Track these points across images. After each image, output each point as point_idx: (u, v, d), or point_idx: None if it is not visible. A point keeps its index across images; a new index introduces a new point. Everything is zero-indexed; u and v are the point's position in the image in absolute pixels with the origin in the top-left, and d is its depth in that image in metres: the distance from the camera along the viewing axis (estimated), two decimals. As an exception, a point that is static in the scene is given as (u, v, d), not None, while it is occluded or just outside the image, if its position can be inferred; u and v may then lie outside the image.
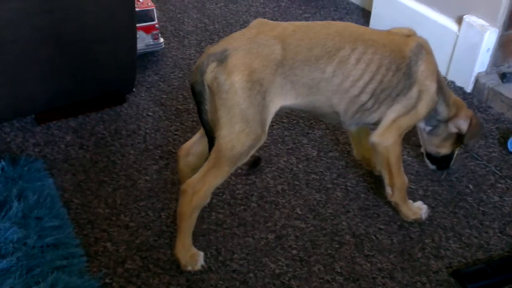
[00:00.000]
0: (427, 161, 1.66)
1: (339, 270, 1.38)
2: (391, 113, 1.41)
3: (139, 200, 1.55)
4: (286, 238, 1.46)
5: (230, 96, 1.21)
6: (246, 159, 1.29)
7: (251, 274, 1.35)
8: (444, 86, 1.48)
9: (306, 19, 2.68)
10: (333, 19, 2.69)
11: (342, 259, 1.41)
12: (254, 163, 1.66)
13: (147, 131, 1.81)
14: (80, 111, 1.88)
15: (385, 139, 1.42)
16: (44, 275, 1.26)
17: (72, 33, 1.67)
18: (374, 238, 1.47)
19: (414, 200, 1.56)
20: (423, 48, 1.40)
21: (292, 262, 1.39)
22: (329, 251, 1.43)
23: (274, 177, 1.66)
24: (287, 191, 1.61)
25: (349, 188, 1.63)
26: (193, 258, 1.34)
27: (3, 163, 1.58)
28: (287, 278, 1.35)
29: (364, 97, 1.35)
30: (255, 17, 2.69)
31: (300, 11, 2.74)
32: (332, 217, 1.53)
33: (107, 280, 1.31)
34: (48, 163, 1.65)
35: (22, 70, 1.63)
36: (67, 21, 1.64)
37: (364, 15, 2.72)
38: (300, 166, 1.71)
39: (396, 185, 1.47)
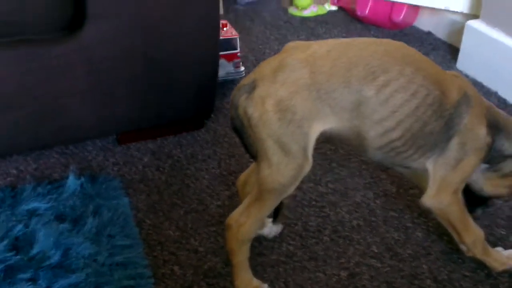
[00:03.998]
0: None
1: (417, 317, 1.27)
2: (437, 170, 1.27)
3: (209, 225, 1.52)
4: (360, 277, 1.37)
5: (260, 129, 1.15)
6: (291, 189, 1.21)
7: (321, 312, 1.27)
8: (500, 120, 1.31)
9: (390, 53, 2.60)
10: (418, 54, 2.60)
11: (421, 305, 1.30)
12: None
13: (222, 156, 1.80)
14: (159, 134, 1.91)
15: (438, 201, 1.29)
16: (111, 293, 1.25)
17: (158, 57, 1.71)
18: (458, 285, 1.35)
19: (505, 247, 1.42)
20: (470, 99, 1.25)
21: (365, 303, 1.30)
22: (407, 295, 1.32)
23: (349, 211, 1.58)
24: (362, 227, 1.53)
25: (431, 229, 1.52)
26: None
27: (82, 179, 1.62)
28: (359, 320, 1.26)
29: (395, 134, 1.20)
30: (337, 50, 2.66)
31: (384, 46, 2.68)
32: (411, 259, 1.42)
33: (172, 304, 1.28)
34: (125, 182, 1.68)
35: (109, 89, 1.68)
36: (154, 45, 1.68)
37: (451, 52, 2.61)
38: (377, 201, 1.62)
39: (468, 242, 1.34)
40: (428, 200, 1.29)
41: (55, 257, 1.33)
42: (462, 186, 1.31)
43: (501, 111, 1.34)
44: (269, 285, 1.32)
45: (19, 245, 1.36)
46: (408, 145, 1.22)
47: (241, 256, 1.26)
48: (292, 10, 3.10)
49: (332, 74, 1.16)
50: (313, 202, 1.61)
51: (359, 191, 1.66)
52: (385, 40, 1.24)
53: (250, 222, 1.22)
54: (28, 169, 1.72)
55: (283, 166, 1.16)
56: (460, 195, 1.31)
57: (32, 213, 1.48)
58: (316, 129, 1.18)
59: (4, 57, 1.48)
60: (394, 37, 2.77)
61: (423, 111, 1.19)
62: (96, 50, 1.60)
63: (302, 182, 1.68)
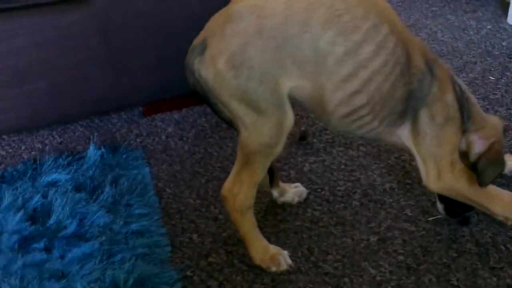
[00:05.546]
0: (436, 198, 1.27)
1: (455, 283, 1.14)
2: (419, 148, 1.13)
3: (231, 193, 1.44)
4: (392, 241, 1.25)
5: (219, 92, 1.03)
6: (278, 149, 1.09)
7: (346, 279, 1.17)
8: (464, 90, 1.16)
9: (433, 12, 2.43)
10: (465, 12, 2.41)
11: (460, 270, 1.17)
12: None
13: (248, 124, 1.72)
14: (185, 104, 1.84)
15: (442, 182, 1.15)
16: (124, 262, 1.20)
17: (177, 22, 1.64)
18: (504, 248, 1.21)
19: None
20: (435, 65, 1.11)
21: (397, 269, 1.19)
22: (444, 260, 1.20)
23: (381, 174, 1.46)
24: (396, 189, 1.41)
25: (474, 190, 1.38)
26: (274, 258, 1.19)
27: (103, 150, 1.58)
28: (389, 287, 1.15)
29: (361, 99, 1.05)
30: (376, 13, 2.50)
31: (427, 5, 2.50)
32: (450, 222, 1.29)
33: (188, 273, 1.22)
34: (147, 152, 1.63)
35: (128, 58, 1.63)
36: (171, 8, 1.61)
37: (501, 7, 2.41)
38: (413, 163, 1.47)
39: (498, 212, 1.18)
40: (431, 184, 1.16)
41: (71, 227, 1.29)
42: (456, 156, 1.15)
43: (459, 80, 1.19)
44: (291, 252, 1.24)
45: (37, 216, 1.34)
46: (374, 113, 1.08)
47: (247, 225, 1.18)
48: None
49: (289, 17, 1.00)
50: (343, 166, 1.50)
51: (393, 153, 1.54)
52: None
53: (245, 190, 1.12)
54: (53, 143, 1.70)
55: (260, 125, 1.04)
56: (460, 166, 1.16)
57: (52, 184, 1.45)
58: (283, 84, 1.03)
59: (18, 27, 1.46)
60: (438, -5, 2.59)
61: (391, 68, 1.04)
62: (110, 17, 1.55)
63: (331, 146, 1.59)
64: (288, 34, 1.00)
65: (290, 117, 1.07)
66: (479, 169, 1.13)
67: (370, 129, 1.11)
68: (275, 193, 1.34)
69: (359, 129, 1.11)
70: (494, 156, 1.14)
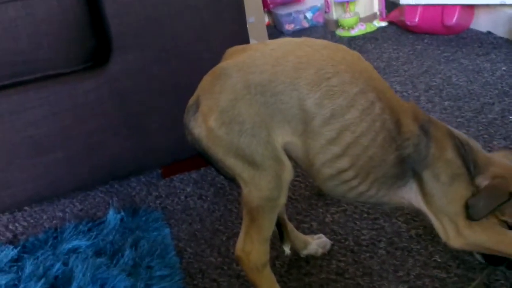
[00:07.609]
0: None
1: (493, 331, 1.08)
2: (431, 207, 1.11)
3: (253, 249, 1.41)
4: (422, 290, 1.20)
5: (214, 150, 1.02)
6: (281, 201, 1.06)
7: (377, 332, 1.11)
8: (465, 142, 1.13)
9: (446, 58, 2.44)
10: (478, 55, 2.41)
11: (497, 316, 1.11)
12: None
13: (267, 178, 1.71)
14: (203, 164, 1.85)
15: (463, 240, 1.10)
16: (145, 325, 1.16)
17: (189, 82, 1.66)
18: (542, 291, 1.14)
19: None
20: (429, 126, 1.09)
21: (430, 319, 1.13)
22: (479, 307, 1.13)
23: (406, 220, 1.42)
24: (422, 236, 1.36)
25: (504, 231, 1.32)
26: None
27: (123, 214, 1.58)
28: None
29: (344, 162, 1.03)
30: (387, 63, 2.52)
31: (439, 51, 2.52)
32: (483, 266, 1.23)
33: (211, 334, 1.17)
34: (167, 213, 1.62)
35: (143, 121, 1.66)
36: (183, 70, 1.65)
37: (515, 47, 2.41)
38: (439, 207, 1.44)
39: None
40: (453, 242, 1.11)
41: (92, 293, 1.27)
42: (463, 210, 1.11)
43: (459, 133, 1.16)
44: (318, 307, 1.19)
45: (58, 283, 1.32)
46: (360, 178, 1.06)
47: (267, 283, 1.14)
48: (339, 32, 3.02)
49: (277, 74, 0.99)
50: (365, 215, 1.46)
51: (417, 198, 1.49)
52: (341, 47, 1.06)
53: (256, 247, 1.09)
54: (73, 211, 1.71)
55: (258, 180, 1.03)
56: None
57: (73, 251, 1.44)
58: (277, 138, 1.02)
59: (34, 99, 1.49)
60: (450, 42, 2.61)
61: (377, 133, 1.03)
62: (125, 83, 1.58)
63: (353, 195, 1.55)
64: (276, 90, 1.00)
65: (288, 169, 1.05)
66: (469, 201, 1.09)
67: (358, 193, 1.09)
68: (286, 249, 1.29)
69: (348, 192, 1.09)
70: (490, 191, 1.09)
